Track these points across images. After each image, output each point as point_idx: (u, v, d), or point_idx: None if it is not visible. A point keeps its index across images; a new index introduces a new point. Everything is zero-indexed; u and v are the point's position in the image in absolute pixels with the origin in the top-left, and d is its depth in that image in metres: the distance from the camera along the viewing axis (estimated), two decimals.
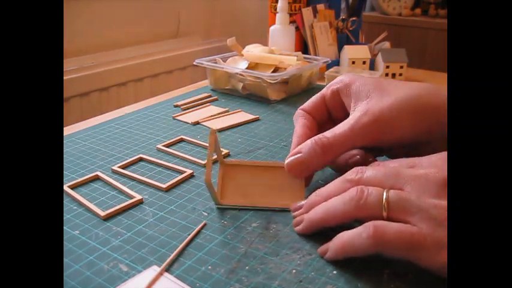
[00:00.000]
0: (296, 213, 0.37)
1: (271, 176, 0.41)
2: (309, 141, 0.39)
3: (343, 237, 0.31)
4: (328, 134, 0.39)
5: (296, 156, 0.39)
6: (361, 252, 0.30)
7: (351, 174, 0.34)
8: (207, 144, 0.53)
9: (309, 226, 0.35)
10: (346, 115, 0.40)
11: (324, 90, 0.43)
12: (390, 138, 0.38)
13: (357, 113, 0.38)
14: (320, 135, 0.39)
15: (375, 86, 0.39)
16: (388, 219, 0.30)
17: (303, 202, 0.37)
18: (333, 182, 0.35)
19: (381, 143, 0.38)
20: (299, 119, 0.43)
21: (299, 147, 0.40)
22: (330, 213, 0.33)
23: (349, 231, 0.31)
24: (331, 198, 0.34)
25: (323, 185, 0.36)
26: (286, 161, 0.40)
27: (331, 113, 0.44)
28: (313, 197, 0.36)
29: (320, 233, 0.35)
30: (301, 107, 0.44)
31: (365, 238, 0.29)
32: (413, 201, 0.30)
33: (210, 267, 0.32)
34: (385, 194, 0.31)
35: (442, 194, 0.29)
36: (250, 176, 0.41)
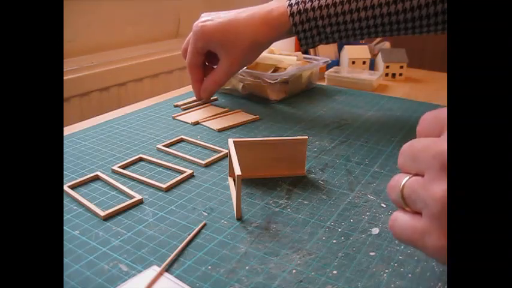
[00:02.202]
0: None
1: (273, 150, 0.45)
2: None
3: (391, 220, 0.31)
4: (212, 77, 0.66)
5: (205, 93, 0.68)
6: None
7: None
8: (207, 145, 0.53)
9: None
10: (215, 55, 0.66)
11: (193, 49, 0.66)
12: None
13: (225, 65, 0.64)
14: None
15: (227, 42, 0.63)
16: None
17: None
18: None
19: None
20: (195, 75, 0.68)
21: (205, 89, 0.68)
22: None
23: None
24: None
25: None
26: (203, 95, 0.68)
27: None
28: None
29: (320, 234, 0.36)
30: (191, 63, 0.67)
31: (389, 227, 0.29)
32: (420, 194, 0.27)
33: (210, 267, 0.32)
34: (400, 186, 0.29)
35: (442, 176, 0.26)
36: (255, 152, 0.44)
